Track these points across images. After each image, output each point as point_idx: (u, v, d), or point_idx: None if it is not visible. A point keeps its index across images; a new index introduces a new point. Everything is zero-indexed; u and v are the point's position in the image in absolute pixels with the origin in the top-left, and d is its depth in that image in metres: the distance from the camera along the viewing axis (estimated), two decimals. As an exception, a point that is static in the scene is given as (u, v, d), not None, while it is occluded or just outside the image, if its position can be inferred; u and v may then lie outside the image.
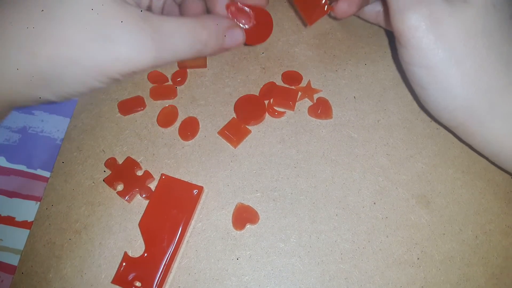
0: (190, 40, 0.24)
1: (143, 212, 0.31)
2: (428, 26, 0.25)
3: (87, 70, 0.22)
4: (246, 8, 0.28)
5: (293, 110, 0.35)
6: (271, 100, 0.35)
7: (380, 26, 0.37)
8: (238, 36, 0.27)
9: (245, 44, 0.29)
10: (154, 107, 0.35)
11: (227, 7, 0.27)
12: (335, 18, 0.36)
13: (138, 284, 0.29)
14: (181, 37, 0.24)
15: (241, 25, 0.28)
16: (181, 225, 0.30)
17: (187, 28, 0.24)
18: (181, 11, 0.30)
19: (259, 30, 0.29)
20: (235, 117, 0.35)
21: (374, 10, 0.36)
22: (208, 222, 0.31)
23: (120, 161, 0.33)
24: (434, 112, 0.29)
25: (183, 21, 0.24)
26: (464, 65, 0.25)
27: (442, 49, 0.25)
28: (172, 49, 0.24)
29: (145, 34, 0.22)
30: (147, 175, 0.32)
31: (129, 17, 0.22)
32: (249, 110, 0.35)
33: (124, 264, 0.29)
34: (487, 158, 0.31)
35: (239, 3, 0.28)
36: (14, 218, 0.32)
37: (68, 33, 0.21)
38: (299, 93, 0.35)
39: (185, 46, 0.24)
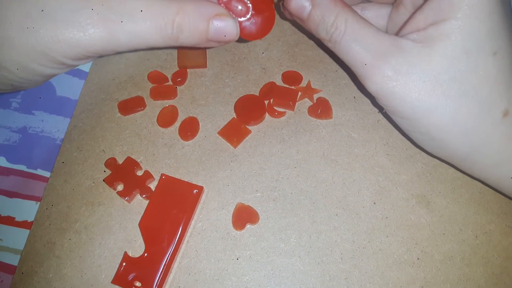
0: (157, 23, 0.21)
1: (143, 212, 0.31)
2: (395, 87, 0.24)
3: (26, 52, 0.20)
4: None
5: (293, 110, 0.35)
6: (271, 100, 0.35)
7: None
8: (228, 27, 0.23)
9: (241, 38, 0.25)
10: (154, 107, 0.35)
11: None
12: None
13: (138, 284, 0.29)
14: (145, 17, 0.21)
15: (235, 16, 0.24)
16: (181, 225, 0.30)
17: (155, 8, 0.21)
18: None
19: (258, 23, 0.25)
20: (235, 117, 0.35)
21: None
22: (208, 222, 0.31)
23: (120, 161, 0.33)
24: (421, 146, 0.29)
25: (151, 0, 0.21)
26: (436, 114, 0.25)
27: (411, 104, 0.25)
28: (131, 31, 0.21)
29: (93, 11, 0.20)
30: (147, 175, 0.32)
31: None
32: (249, 110, 0.35)
33: (124, 264, 0.29)
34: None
35: None
36: (14, 218, 0.32)
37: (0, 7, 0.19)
38: (299, 93, 0.35)
39: (150, 30, 0.21)
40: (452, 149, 0.26)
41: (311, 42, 0.38)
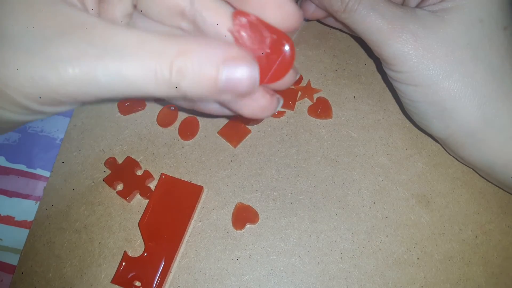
0: (151, 63, 0.16)
1: (143, 211, 0.31)
2: (411, 50, 0.26)
3: None
4: (263, 27, 0.19)
5: (293, 110, 0.35)
6: (271, 100, 0.35)
7: (341, 30, 0.37)
8: (245, 73, 0.17)
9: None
10: (154, 107, 0.35)
11: (235, 15, 0.19)
12: (305, 19, 0.36)
13: (137, 283, 0.29)
14: (135, 55, 0.16)
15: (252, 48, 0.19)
16: (181, 224, 0.30)
17: (150, 45, 0.16)
18: None
19: (272, 64, 0.20)
20: (235, 116, 0.35)
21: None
22: (208, 222, 0.31)
23: (120, 160, 0.33)
24: (422, 122, 0.29)
25: (146, 35, 0.16)
26: (451, 79, 0.25)
27: (427, 67, 0.26)
28: (115, 71, 0.16)
29: (68, 42, 0.16)
30: (147, 175, 0.32)
31: (46, 13, 0.16)
32: (249, 110, 0.35)
33: (124, 263, 0.29)
34: (478, 174, 0.32)
35: (253, 16, 0.19)
36: (13, 217, 0.32)
37: None
38: (299, 93, 0.35)
39: (141, 71, 0.16)
40: (462, 120, 0.26)
41: (311, 42, 0.38)
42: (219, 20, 0.19)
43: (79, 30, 0.16)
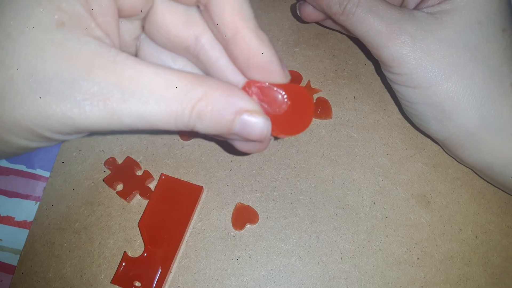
0: (174, 107, 0.17)
1: (142, 212, 0.31)
2: (409, 52, 0.26)
3: (6, 127, 0.16)
4: (275, 88, 0.20)
5: (293, 110, 0.35)
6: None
7: (340, 32, 0.37)
8: (258, 125, 0.19)
9: (274, 137, 0.22)
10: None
11: (248, 85, 0.20)
12: (304, 22, 0.36)
13: (137, 284, 0.28)
14: (160, 99, 0.17)
15: (268, 110, 0.20)
16: (181, 225, 0.30)
17: (175, 90, 0.17)
18: None
19: (294, 116, 0.21)
20: (235, 117, 0.35)
21: None
22: (208, 222, 0.31)
23: (119, 161, 0.33)
24: (421, 123, 0.29)
25: (172, 77, 0.17)
26: (449, 81, 0.25)
27: (425, 69, 0.26)
28: (139, 113, 0.17)
29: (95, 84, 0.16)
30: (147, 175, 0.32)
31: (75, 51, 0.16)
32: (249, 110, 0.35)
33: (123, 264, 0.29)
34: (478, 174, 0.32)
35: (265, 83, 0.20)
36: (13, 218, 0.32)
37: None
38: (299, 93, 0.35)
39: (163, 114, 0.17)
40: (461, 121, 0.26)
41: (311, 42, 0.38)
42: (225, 61, 0.21)
43: (106, 69, 0.16)
